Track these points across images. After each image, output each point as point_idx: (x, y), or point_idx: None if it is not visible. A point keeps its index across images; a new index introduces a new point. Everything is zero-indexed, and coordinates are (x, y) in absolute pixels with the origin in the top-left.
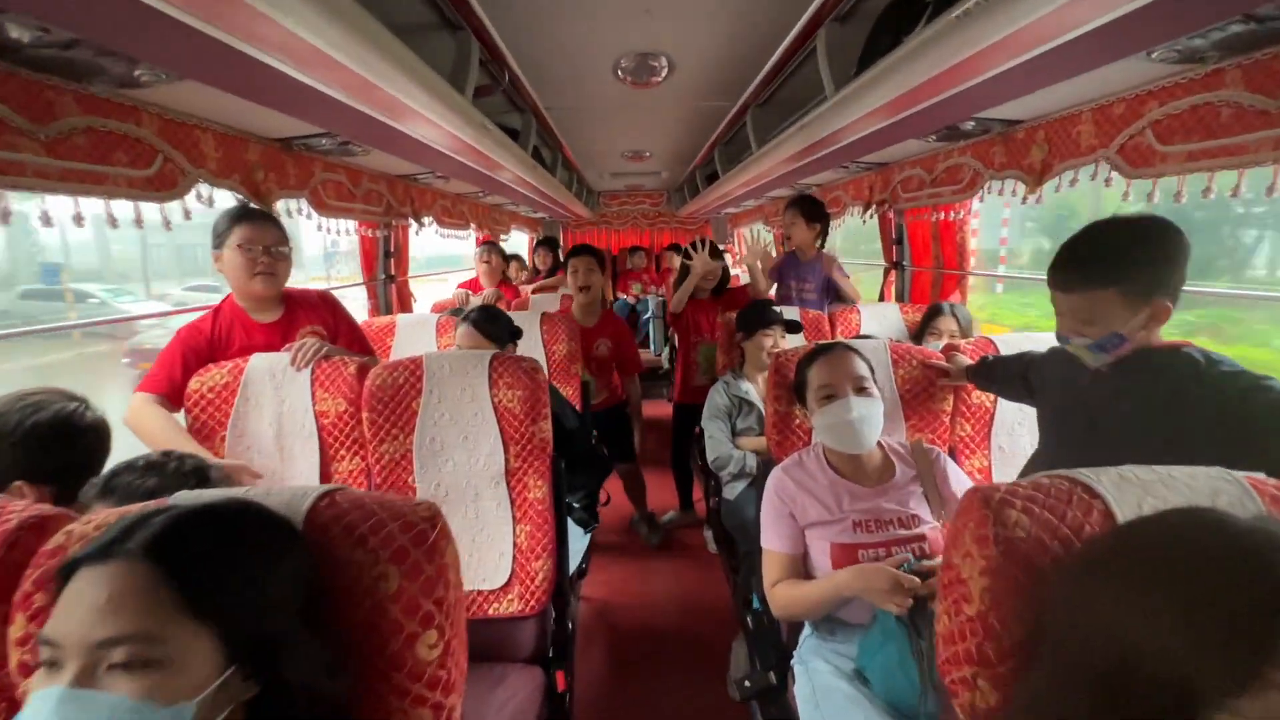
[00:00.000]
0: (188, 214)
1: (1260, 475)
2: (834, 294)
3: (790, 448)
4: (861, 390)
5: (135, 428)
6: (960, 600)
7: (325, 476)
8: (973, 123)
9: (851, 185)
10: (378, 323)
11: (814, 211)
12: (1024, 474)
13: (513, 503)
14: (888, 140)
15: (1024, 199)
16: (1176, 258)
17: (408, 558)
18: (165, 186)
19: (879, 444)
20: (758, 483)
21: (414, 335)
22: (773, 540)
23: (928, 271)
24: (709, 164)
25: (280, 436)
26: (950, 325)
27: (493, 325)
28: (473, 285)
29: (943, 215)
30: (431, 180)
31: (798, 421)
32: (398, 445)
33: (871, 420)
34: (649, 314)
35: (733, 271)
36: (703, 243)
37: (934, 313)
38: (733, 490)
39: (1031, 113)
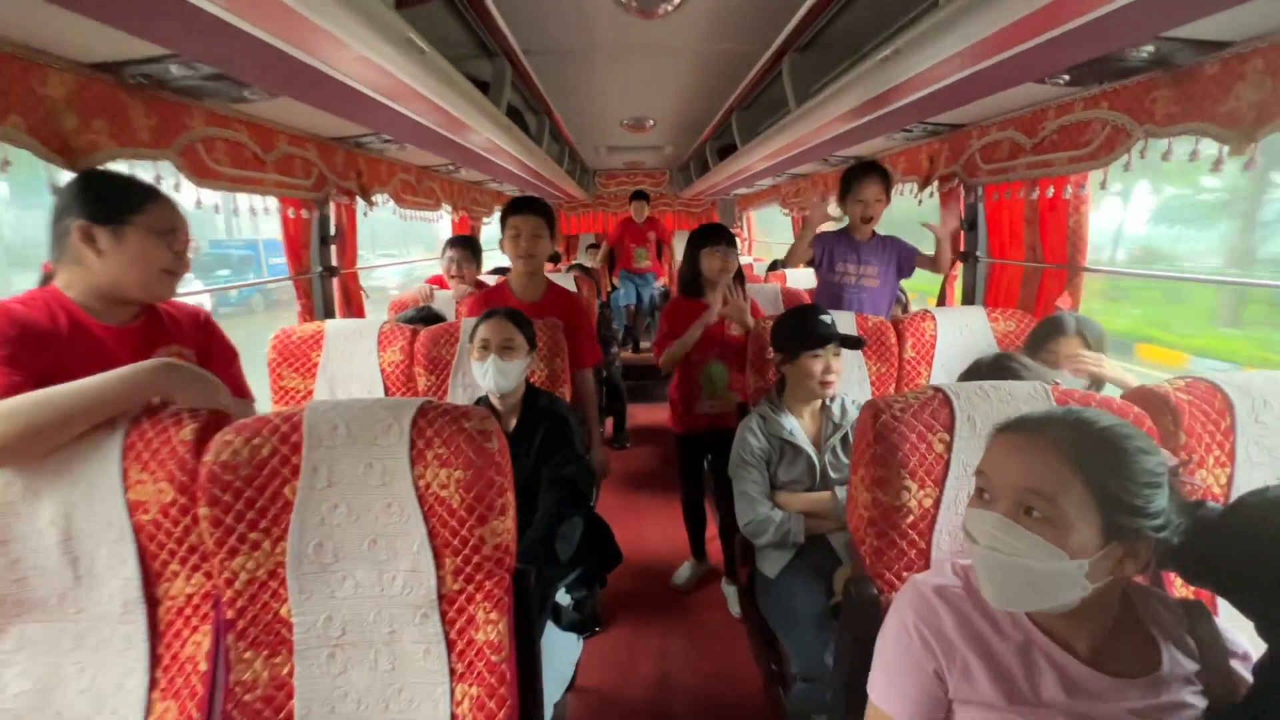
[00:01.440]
0: None
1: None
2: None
3: None
4: (1029, 511)
5: None
6: None
7: (151, 603)
8: (1148, 50)
9: (904, 156)
10: (300, 332)
11: (883, 182)
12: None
13: (450, 647)
14: (988, 87)
15: (1216, 165)
16: None
17: None
18: None
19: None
20: (808, 557)
21: (347, 350)
22: (892, 699)
23: (1014, 266)
24: (722, 134)
25: (70, 542)
26: (1073, 347)
27: (525, 322)
28: (441, 282)
29: (1049, 192)
30: (386, 148)
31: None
32: (262, 558)
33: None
34: (652, 305)
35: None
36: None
37: (1051, 329)
38: (771, 563)
39: (1243, 31)
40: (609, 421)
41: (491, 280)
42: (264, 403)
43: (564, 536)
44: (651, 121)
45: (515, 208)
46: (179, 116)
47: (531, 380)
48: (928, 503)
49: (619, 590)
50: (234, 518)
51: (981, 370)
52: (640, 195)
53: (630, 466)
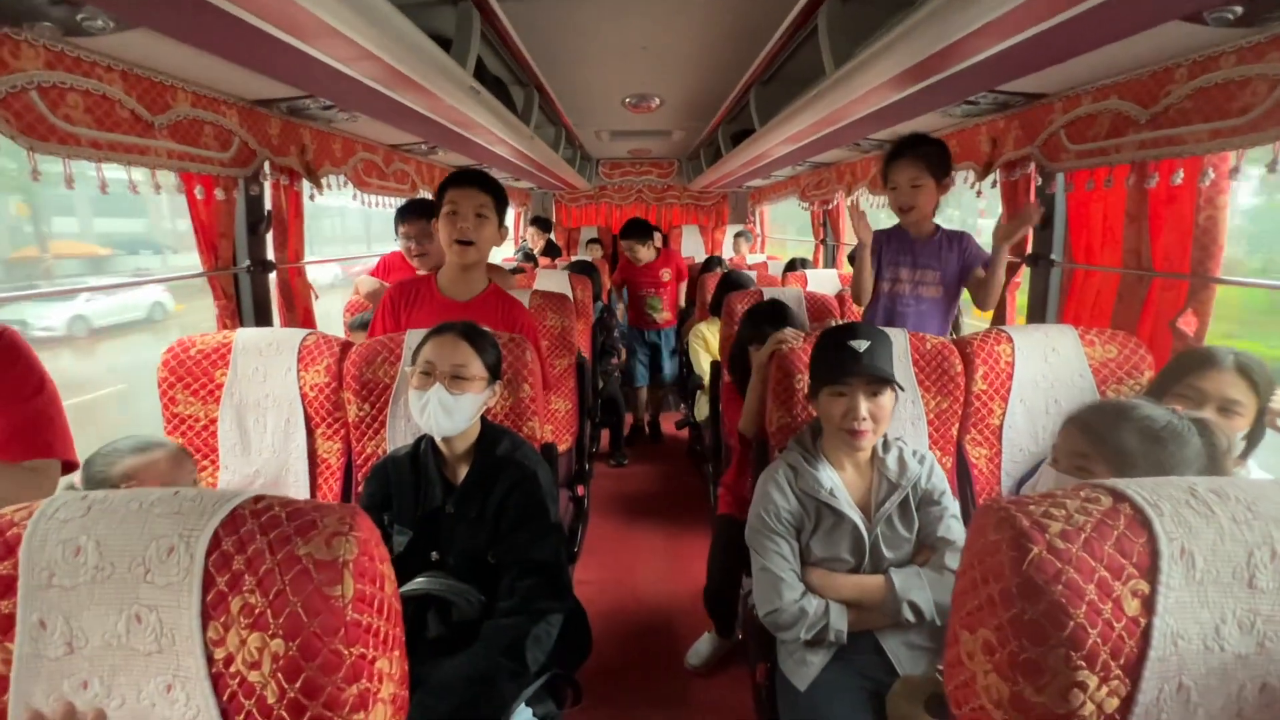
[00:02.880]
0: None
1: None
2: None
3: None
4: None
5: None
6: None
7: None
8: None
9: (956, 138)
10: (201, 344)
11: (945, 162)
12: None
13: None
14: (1113, 32)
15: None
16: None
17: None
18: None
19: None
20: (851, 663)
21: (261, 367)
22: None
23: (1105, 274)
24: (737, 116)
25: None
26: (1230, 388)
27: (496, 349)
28: (390, 266)
29: (1177, 178)
30: (335, 118)
31: None
32: None
33: None
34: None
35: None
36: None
37: (1198, 360)
38: (801, 668)
39: None
40: (604, 435)
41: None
42: (157, 434)
43: (538, 641)
44: (657, 100)
45: (453, 180)
46: None
47: (489, 412)
48: (1111, 706)
49: (604, 663)
50: None
51: (1107, 427)
52: (635, 231)
53: (626, 488)
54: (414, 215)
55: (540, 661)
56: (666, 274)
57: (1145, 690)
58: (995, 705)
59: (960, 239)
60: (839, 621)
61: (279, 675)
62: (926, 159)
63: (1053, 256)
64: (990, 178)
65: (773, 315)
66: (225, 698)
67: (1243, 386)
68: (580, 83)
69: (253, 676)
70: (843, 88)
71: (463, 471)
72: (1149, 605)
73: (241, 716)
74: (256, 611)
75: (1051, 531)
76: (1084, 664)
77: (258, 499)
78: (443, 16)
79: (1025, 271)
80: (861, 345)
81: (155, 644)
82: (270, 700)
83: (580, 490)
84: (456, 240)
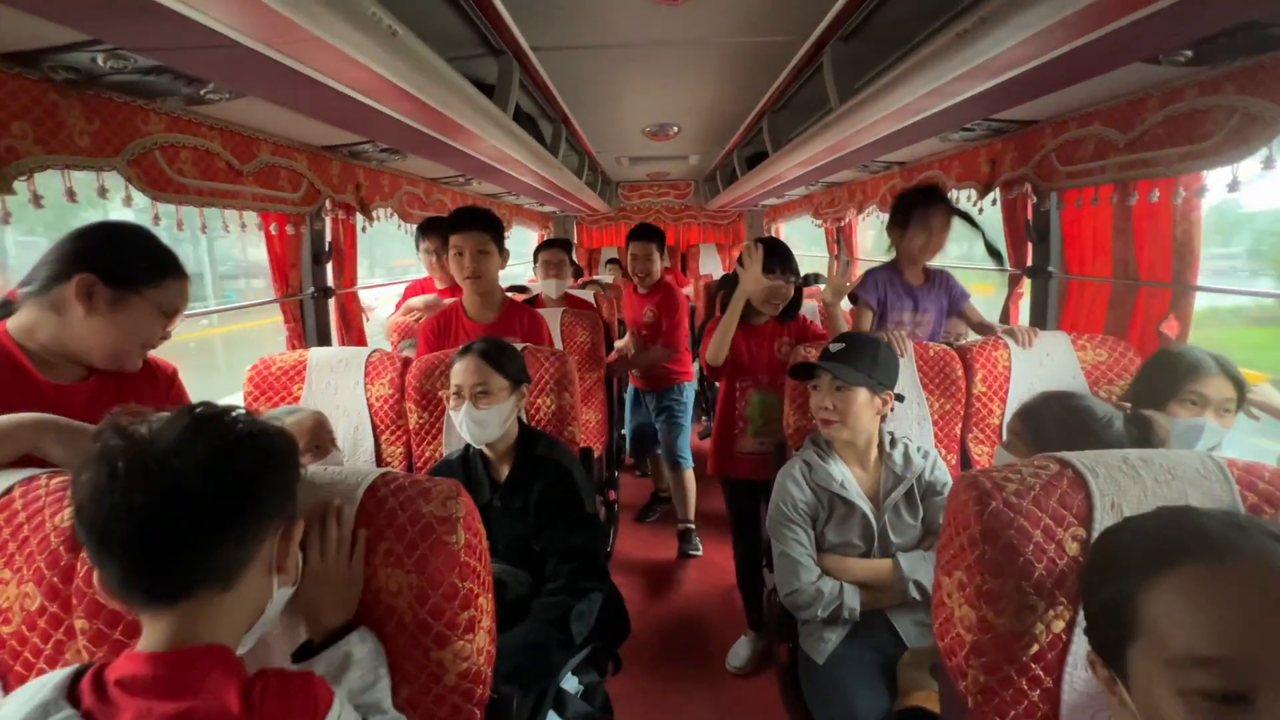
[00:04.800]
0: None
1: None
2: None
3: None
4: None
5: None
6: None
7: None
8: None
9: (958, 160)
10: (280, 362)
11: (947, 214)
12: None
13: None
14: (1083, 71)
15: None
16: None
17: None
18: None
19: None
20: (864, 638)
21: (333, 382)
22: None
23: (1097, 284)
24: (751, 141)
25: None
26: (1224, 390)
27: (512, 359)
28: (425, 288)
29: (1153, 196)
30: (387, 158)
31: None
32: None
33: None
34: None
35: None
36: (757, 247)
37: (1188, 367)
38: (819, 644)
39: None
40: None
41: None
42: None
43: (582, 615)
44: (676, 128)
45: (454, 224)
46: (131, 120)
47: (535, 418)
48: (1058, 627)
49: (637, 669)
50: (124, 631)
51: (1052, 415)
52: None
53: (649, 494)
54: (433, 231)
55: (584, 634)
56: (650, 313)
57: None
58: (967, 630)
59: (945, 278)
60: (852, 600)
61: (413, 601)
62: (948, 209)
63: (1050, 268)
64: (990, 195)
65: (777, 250)
66: (373, 620)
67: (1230, 387)
68: (604, 116)
69: (395, 602)
70: (847, 120)
71: (505, 470)
72: (1086, 547)
73: (383, 635)
74: (396, 554)
75: (1008, 490)
76: (1033, 591)
77: (386, 474)
78: (485, 66)
79: (1027, 282)
80: (836, 346)
81: None
82: (407, 620)
83: (611, 495)
84: (465, 278)
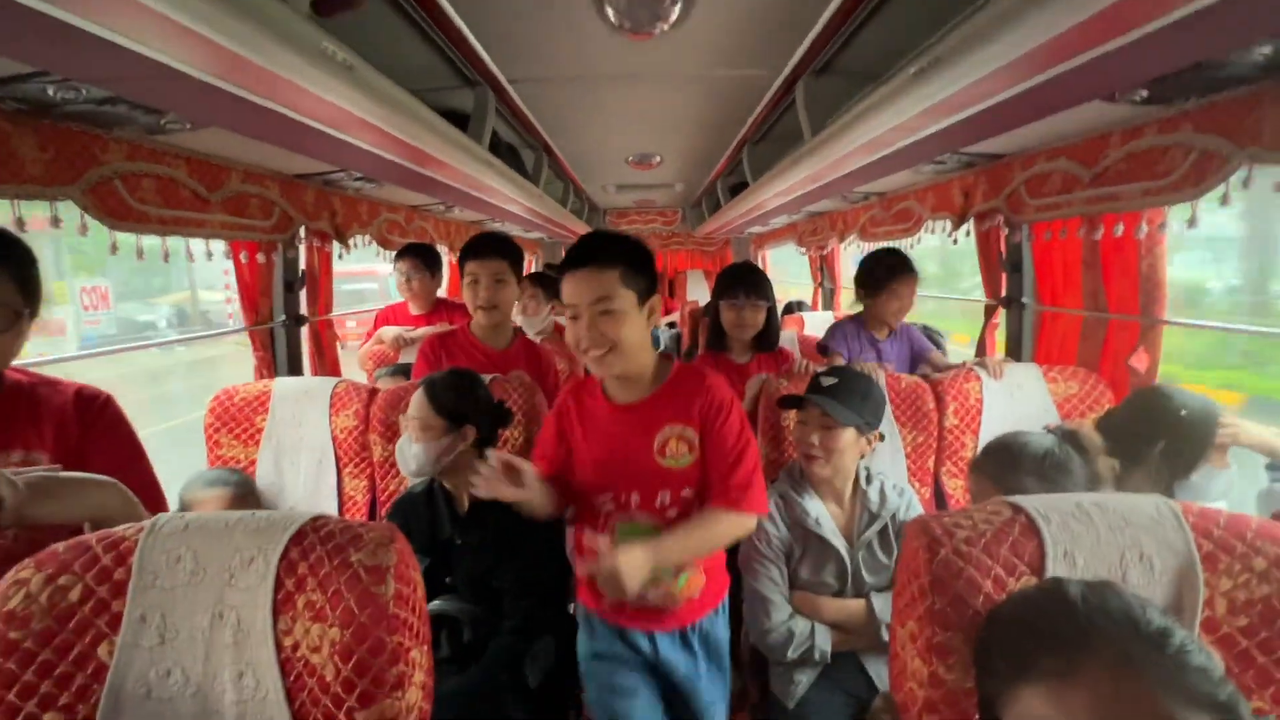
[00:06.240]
0: None
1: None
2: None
3: None
4: None
5: None
6: None
7: None
8: (1263, 53)
9: (932, 192)
10: (244, 392)
11: (912, 278)
12: None
13: None
14: (1041, 109)
15: None
16: None
17: None
18: None
19: None
20: (836, 681)
21: (297, 413)
22: None
23: (1070, 316)
24: (733, 171)
25: None
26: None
27: (459, 397)
28: (397, 313)
29: (1118, 230)
30: (363, 186)
31: None
32: None
33: None
34: (660, 346)
35: None
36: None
37: (1213, 415)
38: (789, 686)
39: None
40: None
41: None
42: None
43: (535, 658)
44: (658, 158)
45: (472, 251)
46: (88, 149)
47: (504, 449)
48: None
49: None
50: (19, 694)
51: (1004, 473)
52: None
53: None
54: (408, 254)
55: (540, 678)
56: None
57: None
58: (919, 685)
59: (907, 331)
60: (824, 642)
61: (336, 657)
62: (915, 276)
63: (1024, 299)
64: (965, 227)
65: (743, 276)
66: (291, 678)
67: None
68: (586, 145)
69: (315, 659)
70: (819, 152)
71: (466, 505)
72: None
73: (304, 693)
74: (318, 606)
75: (958, 538)
76: None
77: (317, 519)
78: (461, 96)
79: (1002, 312)
80: (828, 380)
81: (232, 638)
82: (329, 678)
83: None
84: (479, 307)
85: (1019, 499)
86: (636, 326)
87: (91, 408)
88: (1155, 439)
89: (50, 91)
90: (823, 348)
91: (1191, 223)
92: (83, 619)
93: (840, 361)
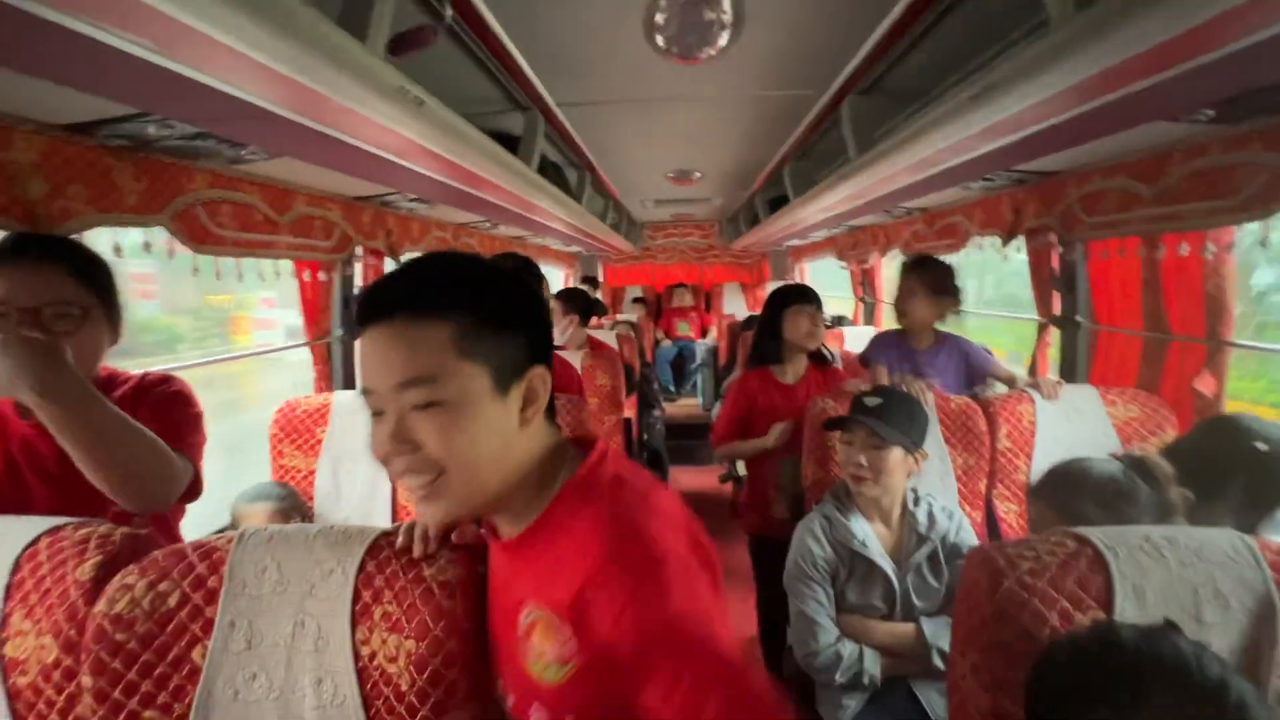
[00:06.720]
0: None
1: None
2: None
3: None
4: None
5: None
6: None
7: None
8: None
9: (980, 207)
10: (305, 405)
11: (941, 282)
12: None
13: None
14: (1101, 129)
15: None
16: None
17: None
18: None
19: None
20: (886, 708)
21: (354, 425)
22: None
23: (1130, 335)
24: (773, 185)
25: None
26: None
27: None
28: None
29: (1182, 249)
30: (416, 207)
31: None
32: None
33: None
34: (697, 361)
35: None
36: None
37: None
38: (836, 711)
39: None
40: None
41: None
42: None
43: None
44: (698, 174)
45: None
46: (176, 179)
47: None
48: None
49: None
50: (124, 691)
51: (1066, 500)
52: (681, 286)
53: None
54: None
55: None
56: (694, 315)
57: None
58: (981, 717)
59: (957, 343)
60: (873, 666)
61: (411, 668)
62: (921, 276)
63: (1078, 318)
64: (1013, 241)
65: (804, 288)
66: (368, 687)
67: None
68: (628, 163)
69: (391, 669)
70: (865, 170)
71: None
72: None
73: (380, 701)
74: (394, 618)
75: (1021, 569)
76: None
77: (389, 533)
78: (512, 120)
79: (1055, 331)
80: (873, 401)
81: (313, 645)
82: (404, 687)
83: None
84: None
85: (1085, 530)
86: (494, 429)
87: (151, 389)
88: (1232, 474)
89: (150, 129)
90: (864, 360)
91: (1264, 243)
92: (179, 623)
93: (883, 374)
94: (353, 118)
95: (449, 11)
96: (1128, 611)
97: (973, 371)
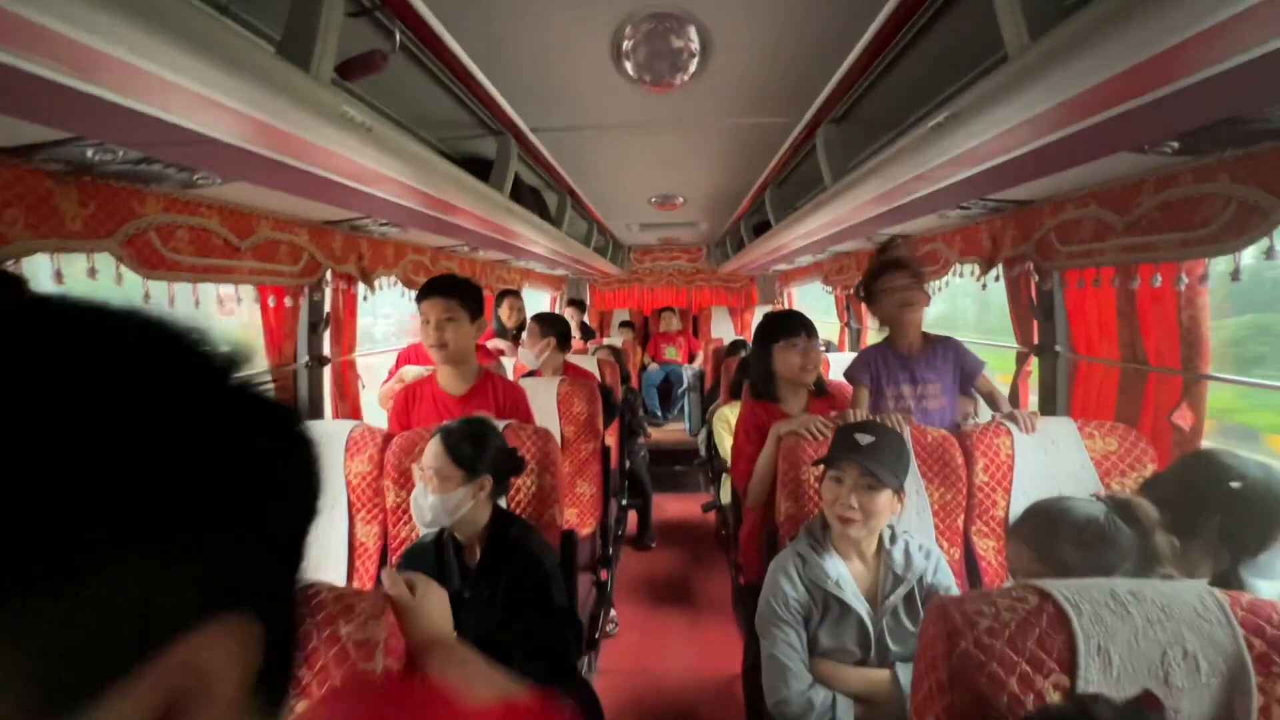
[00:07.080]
0: None
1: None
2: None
3: None
4: None
5: None
6: None
7: None
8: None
9: (960, 235)
10: None
11: (909, 262)
12: None
13: None
14: (1066, 160)
15: None
16: None
17: None
18: None
19: None
20: None
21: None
22: None
23: (1107, 365)
24: (756, 211)
25: None
26: None
27: (476, 446)
28: (419, 352)
29: (1155, 281)
30: (389, 231)
31: None
32: None
33: None
34: (684, 385)
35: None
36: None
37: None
38: None
39: None
40: (632, 517)
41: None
42: None
43: None
44: (681, 199)
45: (422, 293)
46: (126, 203)
47: (514, 499)
48: None
49: None
50: None
51: (1045, 542)
52: (669, 310)
53: (654, 572)
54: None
55: None
56: (682, 340)
57: None
58: None
59: (950, 344)
60: (845, 716)
61: None
62: (912, 269)
63: (1056, 348)
64: (994, 270)
65: (796, 317)
66: None
67: None
68: (608, 187)
69: None
70: (841, 197)
71: (478, 557)
72: (1069, 697)
73: None
74: (302, 683)
75: (979, 627)
76: None
77: (311, 587)
78: (484, 143)
79: (1035, 360)
80: (865, 439)
81: None
82: None
83: (603, 574)
84: (430, 346)
85: (1047, 583)
86: None
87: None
88: (1210, 513)
89: (89, 154)
90: (850, 377)
91: (1234, 276)
92: None
93: (864, 395)
94: (301, 144)
95: (398, 37)
96: (1092, 674)
97: (965, 372)
